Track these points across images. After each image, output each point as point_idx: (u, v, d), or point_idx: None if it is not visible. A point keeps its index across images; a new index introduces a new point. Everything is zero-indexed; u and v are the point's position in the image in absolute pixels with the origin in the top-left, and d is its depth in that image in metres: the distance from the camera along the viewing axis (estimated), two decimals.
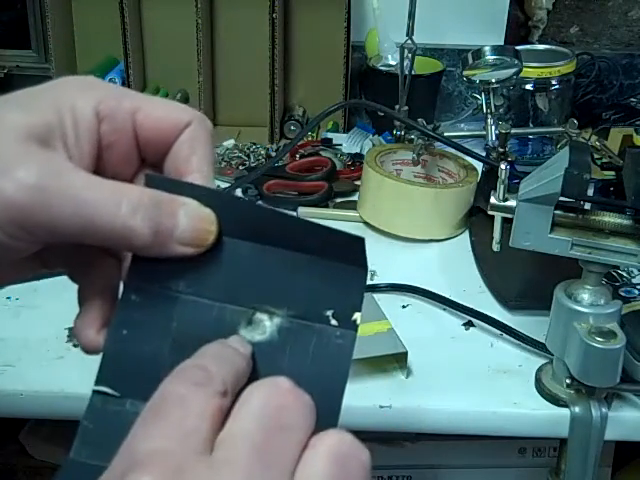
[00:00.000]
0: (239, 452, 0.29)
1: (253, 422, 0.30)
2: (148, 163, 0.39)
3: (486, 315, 0.78)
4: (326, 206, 1.01)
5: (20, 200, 0.33)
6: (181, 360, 0.32)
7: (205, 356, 0.32)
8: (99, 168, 0.38)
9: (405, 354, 0.70)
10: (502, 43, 1.25)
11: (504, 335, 0.77)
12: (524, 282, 0.81)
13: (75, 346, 0.73)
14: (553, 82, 1.13)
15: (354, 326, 0.32)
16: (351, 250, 0.34)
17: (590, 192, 0.63)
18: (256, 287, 0.34)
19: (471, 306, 0.79)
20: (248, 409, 0.30)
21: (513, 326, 0.77)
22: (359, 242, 0.34)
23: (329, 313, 0.33)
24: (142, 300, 0.35)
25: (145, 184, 0.35)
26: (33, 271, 0.40)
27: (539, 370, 0.71)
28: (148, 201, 0.35)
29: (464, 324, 0.79)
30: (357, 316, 0.32)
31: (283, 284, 0.33)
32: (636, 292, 0.83)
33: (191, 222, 0.35)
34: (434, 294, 0.81)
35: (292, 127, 1.21)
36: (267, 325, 0.34)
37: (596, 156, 1.06)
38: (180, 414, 0.30)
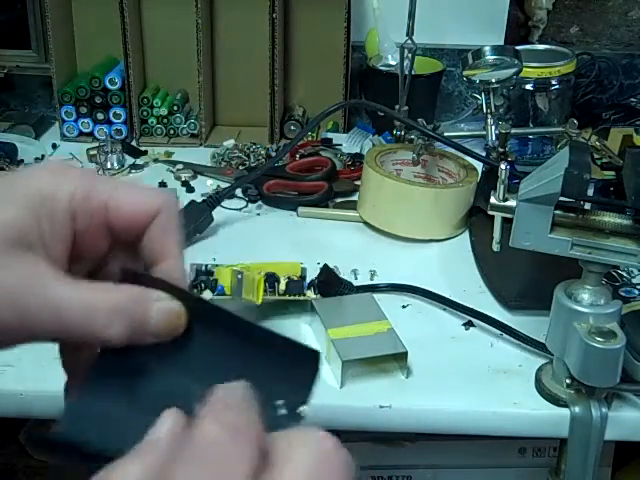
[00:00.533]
0: None
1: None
2: (121, 241, 0.41)
3: (486, 315, 0.78)
4: (326, 206, 1.01)
5: (10, 294, 0.35)
6: (137, 416, 0.34)
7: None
8: (73, 248, 0.39)
9: (405, 354, 0.70)
10: (502, 43, 1.25)
11: (504, 335, 0.77)
12: (524, 282, 0.81)
13: None
14: (553, 82, 1.13)
15: (299, 417, 0.36)
16: (307, 358, 0.38)
17: (590, 192, 0.63)
18: (217, 370, 0.37)
19: (471, 306, 0.79)
20: (296, 467, 0.30)
21: (513, 326, 0.77)
22: (315, 354, 0.38)
23: (280, 403, 0.36)
24: (111, 365, 0.38)
25: (120, 280, 0.38)
26: (21, 342, 0.43)
27: (539, 370, 0.71)
28: (123, 305, 0.37)
29: (464, 324, 0.79)
30: (303, 409, 0.36)
31: (241, 371, 0.35)
32: (636, 292, 0.83)
33: (162, 317, 0.38)
34: (434, 294, 0.81)
35: (292, 127, 1.21)
36: None
37: (596, 156, 1.06)
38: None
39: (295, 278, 0.74)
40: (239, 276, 0.72)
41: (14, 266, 0.35)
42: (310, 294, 0.76)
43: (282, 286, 0.73)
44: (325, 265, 0.80)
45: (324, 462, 0.30)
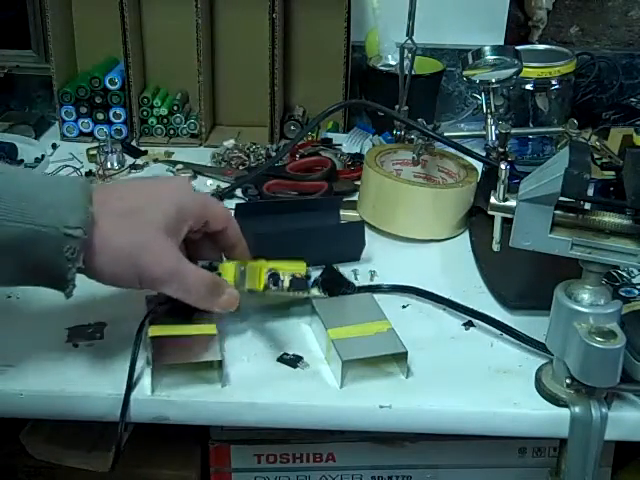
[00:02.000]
0: None
1: None
2: (209, 234, 0.73)
3: (486, 315, 0.78)
4: None
5: (160, 277, 0.66)
6: None
7: None
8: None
9: (405, 354, 0.70)
10: (502, 43, 1.25)
11: (504, 335, 0.77)
12: (524, 282, 0.81)
13: (75, 346, 0.73)
14: (553, 82, 1.13)
15: None
16: None
17: (590, 192, 0.63)
18: None
19: (471, 306, 0.79)
20: None
21: (513, 326, 0.77)
22: None
23: None
24: None
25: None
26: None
27: (539, 370, 0.71)
28: (210, 282, 0.69)
29: (464, 324, 0.79)
30: None
31: None
32: (636, 292, 0.83)
33: (228, 299, 0.71)
34: (437, 296, 0.81)
35: (292, 127, 1.21)
36: None
37: (596, 156, 1.06)
38: None
39: (299, 276, 0.74)
40: (242, 268, 0.73)
41: (168, 250, 0.66)
42: (314, 292, 0.76)
43: (286, 283, 0.73)
44: (329, 264, 0.80)
45: None
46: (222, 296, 0.69)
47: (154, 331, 0.70)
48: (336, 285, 0.79)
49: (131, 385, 0.67)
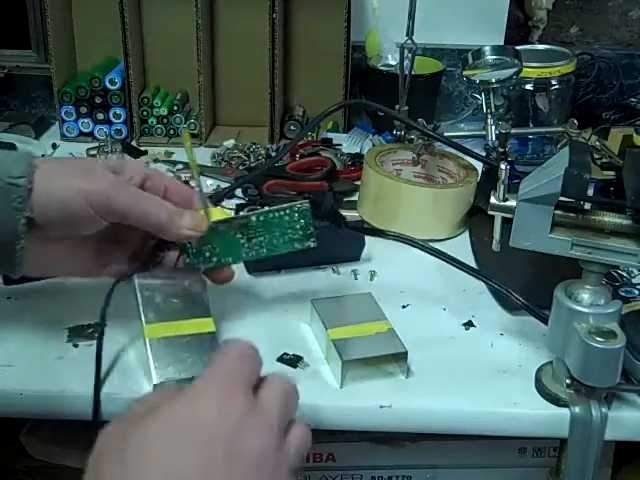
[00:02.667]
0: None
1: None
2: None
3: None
4: None
5: (105, 191, 0.64)
6: None
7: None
8: None
9: (405, 354, 0.70)
10: (502, 43, 1.25)
11: (504, 335, 0.77)
12: (524, 282, 0.81)
13: (75, 346, 0.73)
14: (553, 82, 1.13)
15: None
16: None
17: (590, 192, 0.63)
18: None
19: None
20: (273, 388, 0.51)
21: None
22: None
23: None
24: None
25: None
26: (94, 269, 0.71)
27: (539, 370, 0.71)
28: (167, 205, 0.67)
29: (464, 324, 0.79)
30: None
31: None
32: (636, 292, 0.83)
33: (192, 218, 0.68)
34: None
35: (292, 127, 1.21)
36: None
37: (596, 156, 1.06)
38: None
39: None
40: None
41: (113, 176, 0.65)
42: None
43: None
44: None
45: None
46: (184, 216, 0.67)
47: (150, 332, 0.68)
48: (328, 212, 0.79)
49: (99, 383, 0.67)
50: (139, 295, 0.69)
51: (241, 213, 0.74)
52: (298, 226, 0.72)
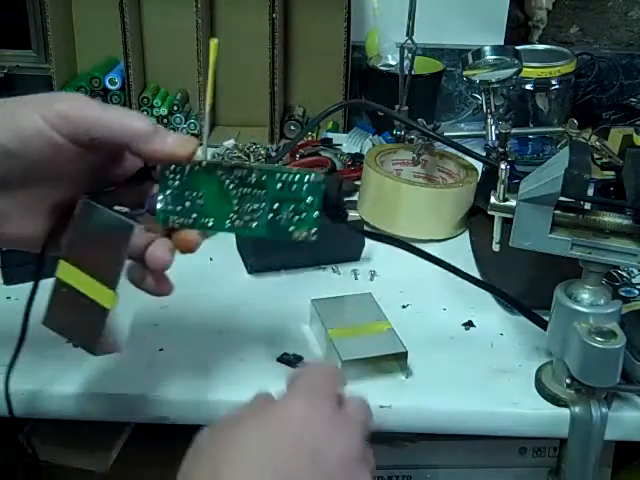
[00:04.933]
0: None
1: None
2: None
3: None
4: None
5: (71, 106, 0.52)
6: None
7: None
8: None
9: (405, 354, 0.70)
10: (502, 43, 1.25)
11: (504, 335, 0.77)
12: (524, 282, 0.81)
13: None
14: (553, 82, 1.13)
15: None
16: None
17: (590, 192, 0.63)
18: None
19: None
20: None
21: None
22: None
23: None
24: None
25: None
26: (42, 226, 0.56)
27: (539, 370, 0.71)
28: (147, 118, 0.53)
29: (464, 324, 0.79)
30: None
31: None
32: (636, 292, 0.83)
33: (180, 135, 0.54)
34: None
35: (292, 127, 1.21)
36: None
37: (596, 156, 1.06)
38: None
39: None
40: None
41: (77, 95, 0.55)
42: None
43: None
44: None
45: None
46: (170, 133, 0.54)
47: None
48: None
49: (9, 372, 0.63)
50: None
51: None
52: (302, 204, 0.57)
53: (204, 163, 0.56)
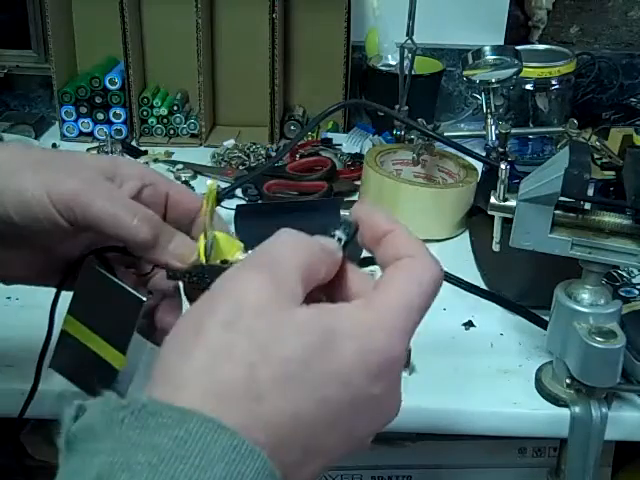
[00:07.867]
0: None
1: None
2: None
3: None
4: None
5: (76, 190, 0.49)
6: None
7: None
8: None
9: (408, 352, 0.70)
10: (502, 43, 1.25)
11: (504, 335, 0.77)
12: (524, 282, 0.81)
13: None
14: (553, 82, 1.13)
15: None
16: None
17: (590, 192, 0.63)
18: None
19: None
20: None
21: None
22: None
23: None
24: None
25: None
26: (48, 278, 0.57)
27: (539, 370, 0.71)
28: (155, 220, 0.51)
29: (464, 324, 0.79)
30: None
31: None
32: (636, 292, 0.83)
33: (182, 242, 0.51)
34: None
35: (292, 127, 1.21)
36: None
37: (596, 156, 1.06)
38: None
39: None
40: (210, 241, 0.55)
41: (93, 176, 0.51)
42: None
43: None
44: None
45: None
46: (175, 237, 0.51)
47: None
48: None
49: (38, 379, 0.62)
50: None
51: None
52: None
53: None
